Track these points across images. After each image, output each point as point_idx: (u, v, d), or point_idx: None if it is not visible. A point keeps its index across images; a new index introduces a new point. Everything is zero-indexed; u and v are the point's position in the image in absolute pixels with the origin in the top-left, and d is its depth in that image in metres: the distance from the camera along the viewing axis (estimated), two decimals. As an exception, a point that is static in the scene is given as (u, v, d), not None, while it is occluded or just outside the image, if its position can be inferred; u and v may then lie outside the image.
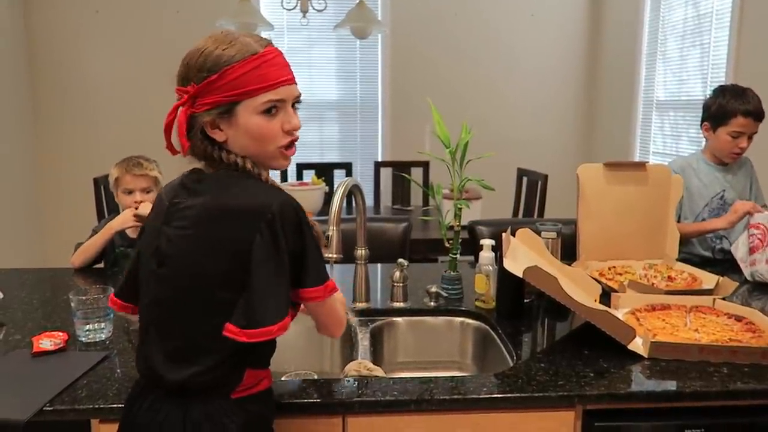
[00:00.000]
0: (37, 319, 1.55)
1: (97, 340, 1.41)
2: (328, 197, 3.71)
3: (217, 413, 0.95)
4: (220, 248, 0.93)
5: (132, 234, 2.10)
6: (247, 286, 0.92)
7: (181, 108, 0.95)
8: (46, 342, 1.36)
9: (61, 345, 1.35)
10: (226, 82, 0.95)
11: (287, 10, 3.60)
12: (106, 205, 3.43)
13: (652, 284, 1.74)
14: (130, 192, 2.08)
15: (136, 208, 2.04)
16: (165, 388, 0.97)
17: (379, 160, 4.62)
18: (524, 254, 1.56)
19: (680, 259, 1.99)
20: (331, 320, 1.08)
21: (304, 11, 3.48)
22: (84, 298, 1.40)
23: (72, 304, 1.41)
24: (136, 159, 2.11)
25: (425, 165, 4.22)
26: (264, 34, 4.38)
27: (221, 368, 0.96)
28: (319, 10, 3.59)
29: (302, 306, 1.04)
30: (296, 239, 0.95)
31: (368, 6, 3.48)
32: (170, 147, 0.98)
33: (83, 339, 1.40)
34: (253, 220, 0.92)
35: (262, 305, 0.92)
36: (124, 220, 2.04)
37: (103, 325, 1.42)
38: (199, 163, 1.02)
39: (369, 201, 4.07)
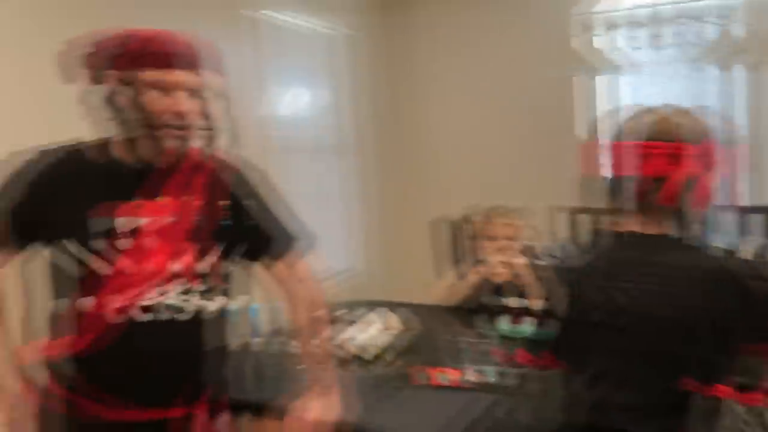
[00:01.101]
0: (428, 353, 1.72)
1: (484, 382, 1.49)
2: None
3: None
4: (695, 308, 0.94)
5: (496, 280, 2.19)
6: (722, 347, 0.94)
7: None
8: (442, 377, 1.49)
9: (455, 382, 1.47)
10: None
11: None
12: (457, 247, 3.71)
13: None
14: (496, 239, 2.18)
15: (502, 257, 2.13)
16: None
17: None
18: None
19: None
20: None
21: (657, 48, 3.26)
22: (473, 340, 1.51)
23: (464, 345, 1.53)
24: (501, 207, 2.21)
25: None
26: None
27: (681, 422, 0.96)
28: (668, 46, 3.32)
29: None
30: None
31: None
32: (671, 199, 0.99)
33: (472, 379, 1.50)
34: (726, 285, 0.94)
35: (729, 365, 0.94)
36: (490, 267, 2.15)
37: (490, 368, 1.50)
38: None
39: None
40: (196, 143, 1.17)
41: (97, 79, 1.12)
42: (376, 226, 4.79)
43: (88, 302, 1.13)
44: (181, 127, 1.11)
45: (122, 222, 1.13)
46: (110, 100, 1.10)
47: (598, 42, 3.34)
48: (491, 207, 2.24)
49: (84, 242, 1.12)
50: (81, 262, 1.12)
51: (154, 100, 1.09)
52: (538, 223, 3.21)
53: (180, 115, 1.10)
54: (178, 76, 1.10)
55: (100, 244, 1.12)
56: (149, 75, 1.09)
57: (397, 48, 4.93)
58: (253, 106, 3.40)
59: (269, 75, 3.52)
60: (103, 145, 1.16)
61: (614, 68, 3.35)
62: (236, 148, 1.23)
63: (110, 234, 1.12)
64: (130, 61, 1.09)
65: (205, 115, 1.15)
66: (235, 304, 1.31)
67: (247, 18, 3.39)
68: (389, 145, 4.97)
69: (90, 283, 1.13)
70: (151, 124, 1.10)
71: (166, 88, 1.10)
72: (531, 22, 4.44)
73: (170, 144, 1.12)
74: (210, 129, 1.17)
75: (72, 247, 1.12)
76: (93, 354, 1.15)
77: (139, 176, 1.16)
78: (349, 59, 4.37)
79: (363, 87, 4.57)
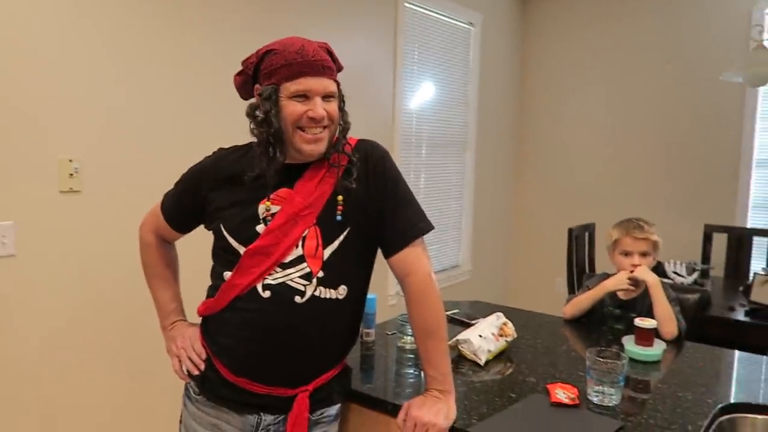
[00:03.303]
0: (544, 365, 1.64)
1: (606, 404, 1.38)
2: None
3: None
4: None
5: (622, 296, 2.06)
6: None
7: None
8: (561, 394, 1.40)
9: (575, 401, 1.38)
10: None
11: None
12: (577, 256, 3.54)
13: None
14: (628, 254, 2.05)
15: (632, 272, 2.00)
16: None
17: None
18: None
19: None
20: None
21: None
22: (600, 359, 1.40)
23: (587, 362, 1.43)
24: (637, 222, 2.07)
25: None
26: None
27: None
28: None
29: None
30: None
31: None
32: None
33: (593, 399, 1.40)
34: None
35: None
36: (617, 282, 2.02)
37: (613, 390, 1.39)
38: None
39: None
40: (328, 139, 1.26)
41: (248, 94, 1.30)
42: (492, 226, 4.68)
43: (227, 275, 1.26)
44: (317, 130, 1.22)
45: (261, 209, 1.25)
46: (254, 113, 1.23)
47: None
48: (626, 220, 2.09)
49: (229, 226, 1.27)
50: (227, 242, 1.26)
51: (293, 107, 1.20)
52: (679, 239, 2.95)
53: (316, 119, 1.20)
54: (319, 82, 1.21)
55: (240, 227, 1.26)
56: (285, 87, 1.20)
57: (532, 43, 4.76)
58: (386, 97, 3.44)
59: (403, 66, 3.53)
60: (255, 145, 1.28)
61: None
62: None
63: (250, 220, 1.25)
64: (268, 75, 1.22)
65: (336, 114, 1.25)
66: (358, 293, 1.31)
67: (390, 7, 3.42)
68: (516, 144, 4.84)
69: (231, 259, 1.25)
70: (290, 130, 1.22)
71: (303, 96, 1.20)
72: (689, 17, 4.11)
73: (307, 147, 1.23)
74: (340, 125, 1.28)
75: (222, 229, 1.27)
76: (216, 319, 1.30)
77: (280, 170, 1.26)
78: (483, 53, 4.28)
79: (493, 82, 4.46)
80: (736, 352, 1.81)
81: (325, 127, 1.23)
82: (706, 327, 2.51)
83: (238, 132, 1.44)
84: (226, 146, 1.39)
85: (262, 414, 1.27)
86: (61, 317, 2.06)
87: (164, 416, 2.37)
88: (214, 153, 1.39)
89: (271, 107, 1.20)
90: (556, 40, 4.64)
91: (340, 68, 1.30)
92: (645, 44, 4.24)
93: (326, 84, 1.22)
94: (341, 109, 1.28)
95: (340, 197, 1.25)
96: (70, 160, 2.04)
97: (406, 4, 3.53)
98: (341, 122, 1.28)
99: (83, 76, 2.06)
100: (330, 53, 1.27)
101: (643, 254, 2.02)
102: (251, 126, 1.25)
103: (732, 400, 1.44)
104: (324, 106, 1.21)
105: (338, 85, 1.26)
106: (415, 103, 3.74)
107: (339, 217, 1.25)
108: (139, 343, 2.28)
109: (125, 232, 2.17)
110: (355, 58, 3.19)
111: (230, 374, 1.26)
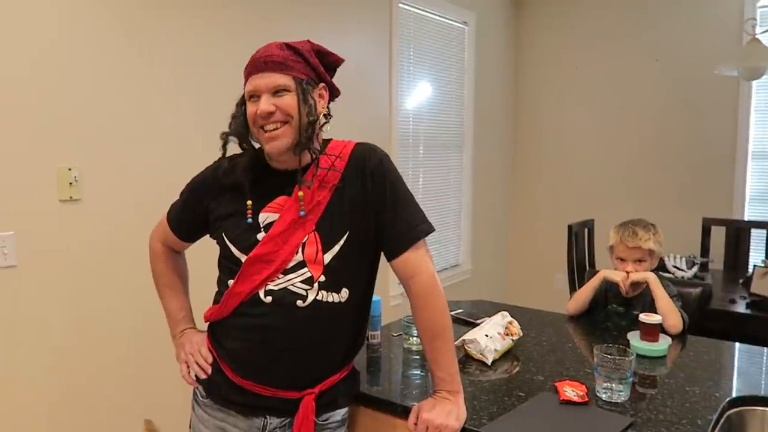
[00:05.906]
0: (551, 363, 1.64)
1: (615, 401, 1.39)
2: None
3: None
4: None
5: (624, 293, 2.06)
6: None
7: None
8: (570, 391, 1.40)
9: (585, 398, 1.38)
10: None
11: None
12: (576, 252, 3.55)
13: None
14: (623, 260, 2.04)
15: (630, 278, 1.99)
16: None
17: None
18: None
19: None
20: None
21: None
22: (608, 355, 1.40)
23: (594, 359, 1.43)
24: (633, 228, 2.02)
25: None
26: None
27: None
28: None
29: None
30: None
31: None
32: None
33: (602, 396, 1.40)
34: None
35: None
36: (615, 273, 2.02)
37: (621, 387, 1.39)
38: None
39: None
40: (292, 135, 1.23)
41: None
42: (491, 225, 4.69)
43: (230, 283, 1.27)
44: (271, 127, 1.21)
45: (261, 217, 1.27)
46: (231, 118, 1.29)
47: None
48: (624, 224, 2.07)
49: (231, 235, 1.28)
50: (229, 251, 1.28)
51: (251, 108, 1.23)
52: (678, 233, 2.93)
53: (262, 115, 1.20)
54: (262, 78, 1.21)
55: (241, 236, 1.27)
56: (245, 90, 1.25)
57: (526, 40, 4.77)
58: (382, 98, 3.44)
59: (399, 66, 3.53)
60: (253, 151, 1.31)
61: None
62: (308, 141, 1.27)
63: (250, 228, 1.26)
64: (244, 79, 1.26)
65: (293, 108, 1.21)
66: (361, 296, 1.31)
67: (384, 8, 3.41)
68: (513, 141, 4.85)
69: (233, 268, 1.27)
70: (255, 131, 1.25)
71: (255, 94, 1.22)
72: (683, 11, 4.11)
73: (267, 145, 1.23)
74: (308, 122, 1.22)
75: (224, 238, 1.29)
76: (221, 324, 1.31)
77: (277, 176, 1.29)
78: (477, 52, 4.28)
79: (488, 80, 4.47)
80: (738, 345, 1.82)
81: (284, 123, 1.20)
82: (708, 320, 2.52)
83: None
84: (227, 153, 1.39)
85: (268, 417, 1.28)
86: (64, 327, 2.05)
87: (173, 423, 2.36)
88: (214, 162, 1.39)
89: (237, 111, 1.27)
90: (550, 37, 4.65)
91: (337, 60, 1.30)
92: (639, 39, 4.25)
93: (272, 79, 1.20)
94: (305, 102, 1.21)
95: (300, 193, 1.24)
96: (69, 169, 2.03)
97: (401, 5, 3.53)
98: (308, 116, 1.21)
99: (80, 82, 2.05)
100: (294, 49, 1.23)
101: (638, 260, 2.01)
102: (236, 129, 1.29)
103: (739, 393, 1.44)
104: (273, 101, 1.19)
105: (299, 79, 1.21)
106: (412, 103, 3.74)
107: (302, 213, 1.23)
108: (145, 351, 2.27)
109: (127, 240, 2.16)
110: (351, 60, 3.18)
111: (237, 377, 1.27)
